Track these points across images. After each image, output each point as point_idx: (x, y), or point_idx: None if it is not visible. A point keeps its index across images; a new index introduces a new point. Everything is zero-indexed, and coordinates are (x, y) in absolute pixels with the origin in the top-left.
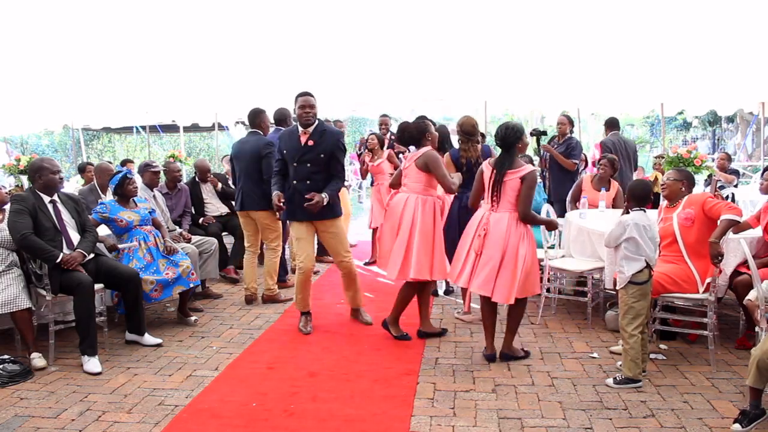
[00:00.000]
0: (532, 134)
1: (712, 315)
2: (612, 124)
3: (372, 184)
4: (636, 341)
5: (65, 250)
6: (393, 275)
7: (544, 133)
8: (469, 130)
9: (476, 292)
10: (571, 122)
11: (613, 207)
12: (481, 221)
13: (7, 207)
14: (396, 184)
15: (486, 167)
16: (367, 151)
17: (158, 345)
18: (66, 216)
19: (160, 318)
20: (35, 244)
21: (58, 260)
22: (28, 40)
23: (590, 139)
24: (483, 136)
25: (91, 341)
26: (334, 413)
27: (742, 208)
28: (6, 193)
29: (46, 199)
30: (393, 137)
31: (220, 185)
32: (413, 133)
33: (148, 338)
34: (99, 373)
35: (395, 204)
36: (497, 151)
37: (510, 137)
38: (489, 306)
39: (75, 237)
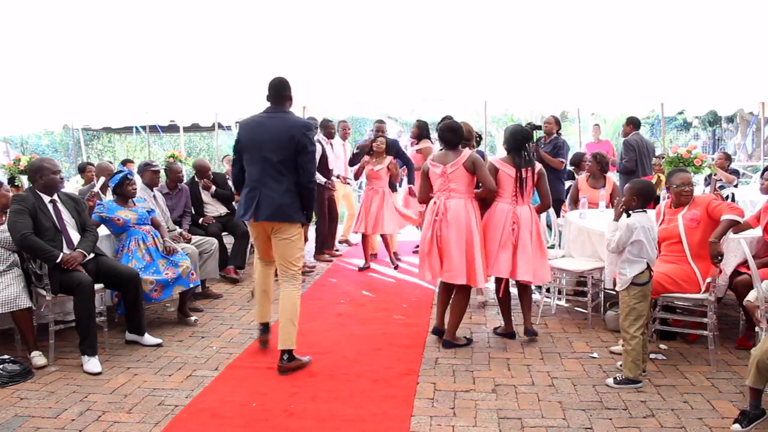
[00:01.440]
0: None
1: (712, 315)
2: (637, 124)
3: (359, 187)
4: (638, 343)
5: (65, 250)
6: (461, 282)
7: (539, 127)
8: (467, 136)
9: (522, 279)
10: (557, 123)
11: (611, 202)
12: (507, 216)
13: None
14: (426, 199)
15: (501, 166)
16: (370, 153)
17: (158, 345)
18: (66, 216)
19: (160, 318)
20: (35, 244)
21: (58, 260)
22: (28, 40)
23: (590, 139)
24: (480, 137)
25: (91, 341)
26: (334, 413)
27: (743, 208)
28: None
29: (46, 198)
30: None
31: (214, 188)
32: (463, 135)
33: (148, 338)
34: (99, 373)
35: (457, 211)
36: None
37: (519, 138)
38: (507, 291)
39: (75, 236)
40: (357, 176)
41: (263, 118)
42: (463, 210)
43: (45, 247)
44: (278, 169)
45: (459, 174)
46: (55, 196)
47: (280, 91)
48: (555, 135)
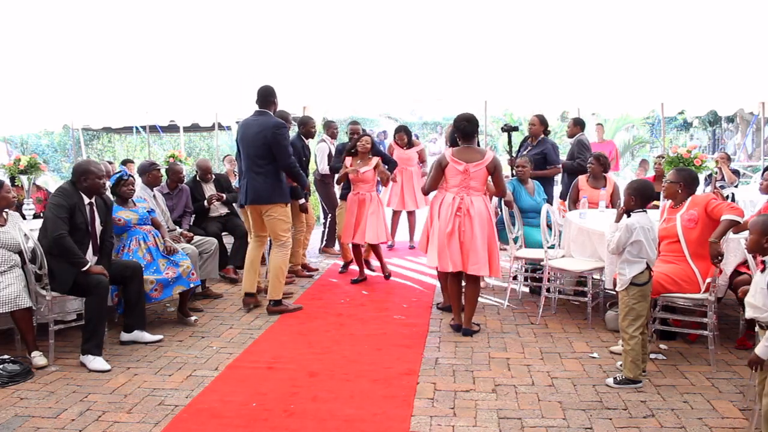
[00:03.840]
0: (503, 130)
1: (712, 315)
2: (583, 125)
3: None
4: (637, 343)
5: (89, 254)
6: (485, 274)
7: (516, 128)
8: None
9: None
10: (543, 123)
11: (611, 202)
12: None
13: (11, 211)
14: (432, 190)
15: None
16: (353, 154)
17: (158, 341)
18: (98, 220)
19: (160, 318)
20: (70, 247)
21: (85, 269)
22: (28, 40)
23: (593, 138)
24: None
25: (98, 341)
26: (334, 413)
27: (743, 208)
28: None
29: (86, 199)
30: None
31: (225, 197)
32: (478, 125)
33: (147, 335)
34: (108, 370)
35: (480, 207)
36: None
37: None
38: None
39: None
40: (339, 181)
41: (250, 120)
42: (484, 206)
43: (77, 253)
44: (257, 162)
45: (480, 173)
46: (94, 199)
47: (266, 97)
48: (542, 137)
